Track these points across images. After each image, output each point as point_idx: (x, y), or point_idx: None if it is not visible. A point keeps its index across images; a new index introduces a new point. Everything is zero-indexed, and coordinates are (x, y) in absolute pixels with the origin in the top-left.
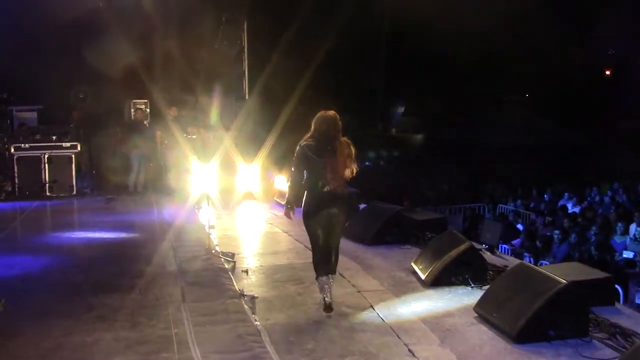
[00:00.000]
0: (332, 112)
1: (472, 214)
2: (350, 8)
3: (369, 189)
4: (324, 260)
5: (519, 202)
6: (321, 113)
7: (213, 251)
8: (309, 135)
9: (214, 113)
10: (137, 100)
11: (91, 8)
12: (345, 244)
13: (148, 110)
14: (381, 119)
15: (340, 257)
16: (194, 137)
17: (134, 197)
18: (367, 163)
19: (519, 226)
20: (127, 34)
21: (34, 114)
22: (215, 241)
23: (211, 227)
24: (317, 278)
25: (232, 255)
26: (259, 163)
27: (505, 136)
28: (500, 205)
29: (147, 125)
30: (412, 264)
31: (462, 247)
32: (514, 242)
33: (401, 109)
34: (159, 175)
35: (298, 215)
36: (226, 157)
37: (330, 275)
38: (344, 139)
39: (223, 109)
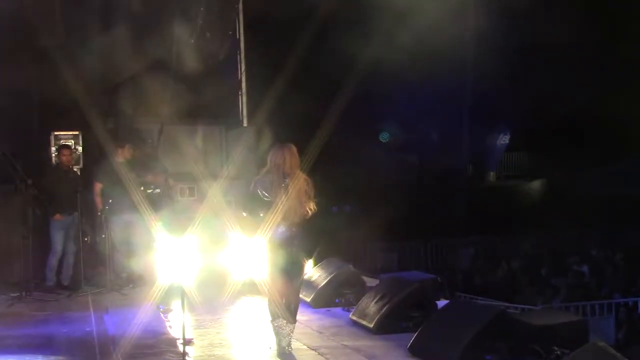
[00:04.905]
0: (289, 144)
1: (630, 315)
2: None
3: (453, 273)
4: (283, 305)
5: None
6: (277, 145)
7: None
8: (264, 170)
9: (191, 151)
10: (62, 133)
11: None
12: None
13: (80, 148)
14: (470, 159)
15: None
16: (157, 191)
17: (57, 295)
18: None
19: None
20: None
21: None
22: None
23: (188, 342)
24: (271, 321)
25: None
26: (266, 234)
27: None
28: None
29: (79, 173)
30: None
31: None
32: None
33: (504, 139)
34: (99, 256)
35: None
36: (213, 225)
37: (289, 324)
38: (303, 175)
39: (206, 143)
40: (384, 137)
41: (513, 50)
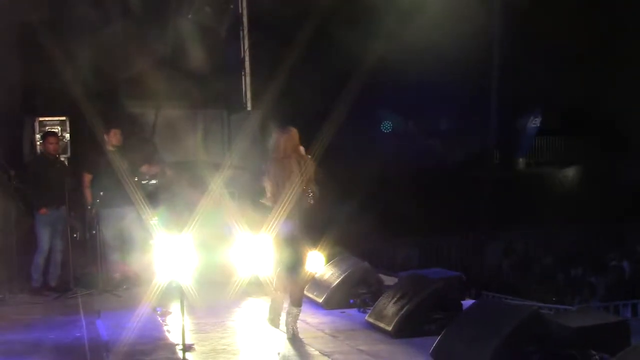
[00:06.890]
0: (289, 128)
1: None
2: None
3: (480, 270)
4: (286, 286)
5: None
6: (277, 129)
7: None
8: (270, 154)
9: (190, 137)
10: (47, 119)
11: None
12: None
13: (67, 135)
14: (497, 143)
15: None
16: (153, 182)
17: (44, 297)
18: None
19: None
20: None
21: None
22: None
23: (188, 348)
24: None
25: None
26: (272, 230)
27: None
28: None
29: (67, 163)
30: None
31: None
32: None
33: (535, 122)
34: (89, 254)
35: None
36: (214, 219)
37: (290, 305)
38: (306, 157)
39: (207, 129)
40: (403, 123)
41: (545, 26)
